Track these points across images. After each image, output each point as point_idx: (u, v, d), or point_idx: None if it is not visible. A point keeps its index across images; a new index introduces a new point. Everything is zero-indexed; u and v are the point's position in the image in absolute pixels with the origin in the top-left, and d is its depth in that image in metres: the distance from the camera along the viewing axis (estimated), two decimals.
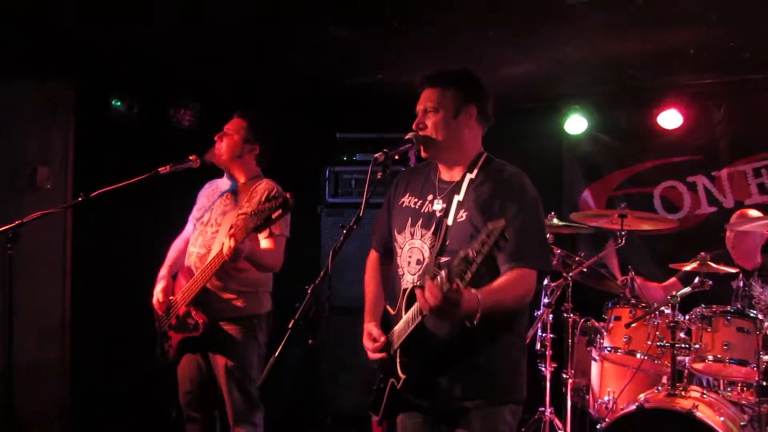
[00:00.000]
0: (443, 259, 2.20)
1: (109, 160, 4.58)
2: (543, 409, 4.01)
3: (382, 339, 2.27)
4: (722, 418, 3.18)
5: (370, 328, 2.33)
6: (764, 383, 3.43)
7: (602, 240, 4.19)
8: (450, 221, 2.24)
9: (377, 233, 2.57)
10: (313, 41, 4.34)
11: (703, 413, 3.11)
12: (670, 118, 5.16)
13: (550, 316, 4.05)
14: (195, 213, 3.50)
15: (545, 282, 4.10)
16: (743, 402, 3.51)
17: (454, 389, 2.22)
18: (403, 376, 2.19)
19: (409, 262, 2.32)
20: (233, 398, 3.27)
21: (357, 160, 5.41)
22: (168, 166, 3.34)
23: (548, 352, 4.03)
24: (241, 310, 3.30)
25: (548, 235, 4.09)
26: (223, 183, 3.52)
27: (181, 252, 3.49)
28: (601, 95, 5.41)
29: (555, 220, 4.13)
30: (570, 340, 3.99)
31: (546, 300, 4.02)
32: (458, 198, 2.25)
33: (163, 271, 3.44)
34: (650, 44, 4.27)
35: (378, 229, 2.56)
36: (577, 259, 3.99)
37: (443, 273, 1.91)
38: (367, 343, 2.32)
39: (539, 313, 4.04)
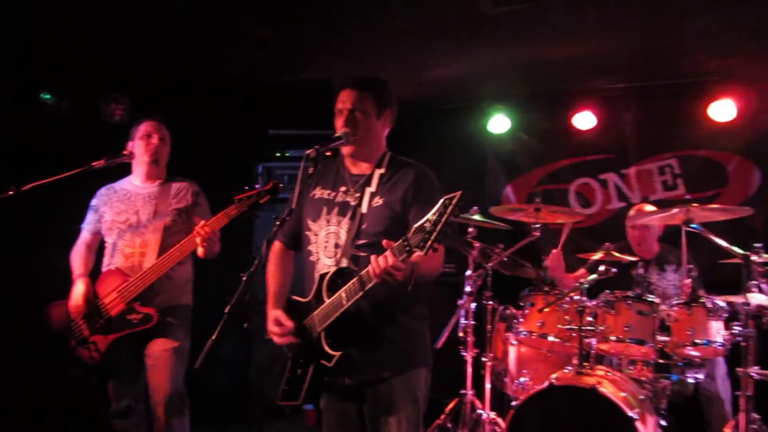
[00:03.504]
0: (360, 242, 2.44)
1: (38, 154, 4.55)
2: (464, 391, 4.23)
3: (289, 324, 2.47)
4: (623, 394, 3.48)
5: (277, 314, 2.51)
6: (661, 361, 3.79)
7: (520, 233, 4.44)
8: (364, 209, 2.48)
9: (283, 225, 2.70)
10: (242, 41, 4.47)
11: (606, 389, 3.40)
12: (585, 120, 5.55)
13: (472, 304, 4.25)
14: (113, 218, 3.52)
15: (467, 272, 4.34)
16: (643, 378, 3.83)
17: (377, 361, 2.44)
18: (336, 354, 2.37)
19: (326, 247, 2.52)
20: (172, 384, 3.35)
21: (289, 156, 5.54)
22: (103, 161, 3.45)
23: (470, 339, 4.23)
24: (180, 299, 3.51)
25: (470, 229, 4.35)
26: (131, 186, 3.60)
27: (85, 258, 3.58)
28: (522, 97, 5.73)
29: (477, 216, 4.35)
30: (490, 327, 4.24)
31: (468, 289, 4.23)
32: (370, 190, 2.50)
33: (79, 270, 3.50)
34: (563, 51, 4.62)
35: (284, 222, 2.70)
36: (496, 250, 4.24)
37: (398, 244, 2.12)
38: (274, 328, 2.50)
39: (461, 302, 4.24)
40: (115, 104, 5.14)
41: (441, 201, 2.04)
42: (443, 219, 2.00)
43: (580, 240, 5.58)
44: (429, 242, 2.01)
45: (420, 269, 2.25)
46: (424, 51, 4.64)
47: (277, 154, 5.59)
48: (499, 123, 5.80)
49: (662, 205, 4.64)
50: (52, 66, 4.79)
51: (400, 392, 2.45)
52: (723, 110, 5.12)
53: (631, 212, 4.61)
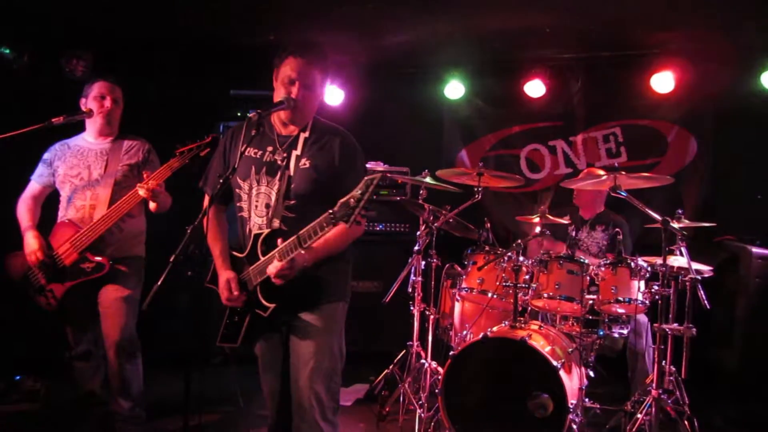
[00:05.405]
0: (289, 203, 2.62)
1: None
2: (411, 342, 4.50)
3: (236, 293, 2.67)
4: (551, 346, 3.76)
5: (229, 276, 2.70)
6: (589, 317, 4.11)
7: (466, 195, 4.64)
8: (291, 171, 2.64)
9: (212, 179, 2.84)
10: (208, 2, 4.53)
11: (536, 341, 3.67)
12: (535, 88, 5.74)
13: (421, 262, 4.46)
14: (66, 172, 3.63)
15: (417, 233, 4.56)
16: (573, 333, 4.15)
17: (306, 302, 2.68)
18: (272, 305, 2.60)
19: (256, 206, 2.69)
20: (122, 331, 3.54)
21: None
22: (62, 117, 3.55)
23: (417, 295, 4.44)
24: (132, 251, 3.69)
25: (421, 191, 4.54)
26: (84, 142, 3.71)
27: (32, 210, 3.69)
28: (476, 65, 5.89)
29: (428, 179, 4.53)
30: (434, 283, 4.50)
31: (416, 248, 4.45)
32: (296, 152, 2.66)
33: (27, 223, 3.62)
34: (515, 21, 4.79)
35: (212, 175, 2.85)
36: (443, 212, 4.46)
37: (324, 216, 2.32)
38: (224, 292, 2.70)
39: (411, 260, 4.48)
40: (77, 60, 5.17)
41: (364, 180, 2.23)
42: (365, 197, 2.21)
43: (528, 203, 5.87)
44: (353, 216, 2.24)
45: (319, 254, 2.56)
46: (386, 18, 4.76)
47: (239, 114, 5.71)
48: (454, 89, 5.97)
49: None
50: (12, 20, 4.80)
51: (323, 323, 2.68)
52: (663, 82, 5.36)
53: (582, 174, 4.88)
